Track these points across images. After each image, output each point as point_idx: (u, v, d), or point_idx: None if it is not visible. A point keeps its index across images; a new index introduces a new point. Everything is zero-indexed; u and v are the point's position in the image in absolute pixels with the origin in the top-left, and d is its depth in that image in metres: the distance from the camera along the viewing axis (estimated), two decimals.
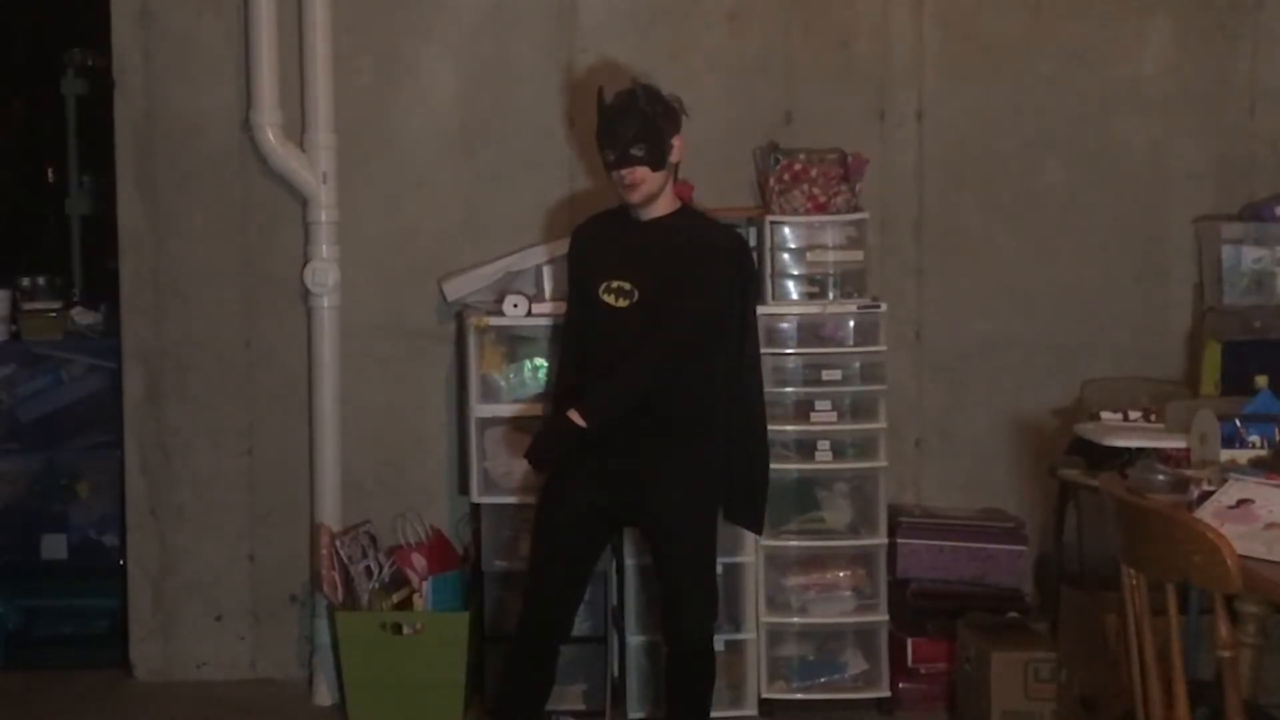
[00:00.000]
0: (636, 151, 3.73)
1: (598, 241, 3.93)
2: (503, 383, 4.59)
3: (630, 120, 3.75)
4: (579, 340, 3.94)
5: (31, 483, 5.13)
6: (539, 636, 3.84)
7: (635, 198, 3.79)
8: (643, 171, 3.75)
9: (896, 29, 4.92)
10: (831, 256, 4.60)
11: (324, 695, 4.74)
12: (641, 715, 4.49)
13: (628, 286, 3.78)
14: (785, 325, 4.57)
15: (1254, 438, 3.43)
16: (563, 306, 4.46)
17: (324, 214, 4.76)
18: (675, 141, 3.81)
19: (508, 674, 3.90)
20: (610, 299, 3.80)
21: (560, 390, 4.01)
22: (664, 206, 3.84)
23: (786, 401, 4.53)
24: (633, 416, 3.75)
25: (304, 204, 4.79)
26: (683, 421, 3.80)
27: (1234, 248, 4.79)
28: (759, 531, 4.15)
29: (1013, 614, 4.59)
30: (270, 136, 4.73)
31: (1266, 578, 2.62)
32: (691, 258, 3.76)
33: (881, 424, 4.59)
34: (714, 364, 3.83)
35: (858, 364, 4.59)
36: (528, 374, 4.60)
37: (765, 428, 3.99)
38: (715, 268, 3.80)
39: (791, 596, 4.58)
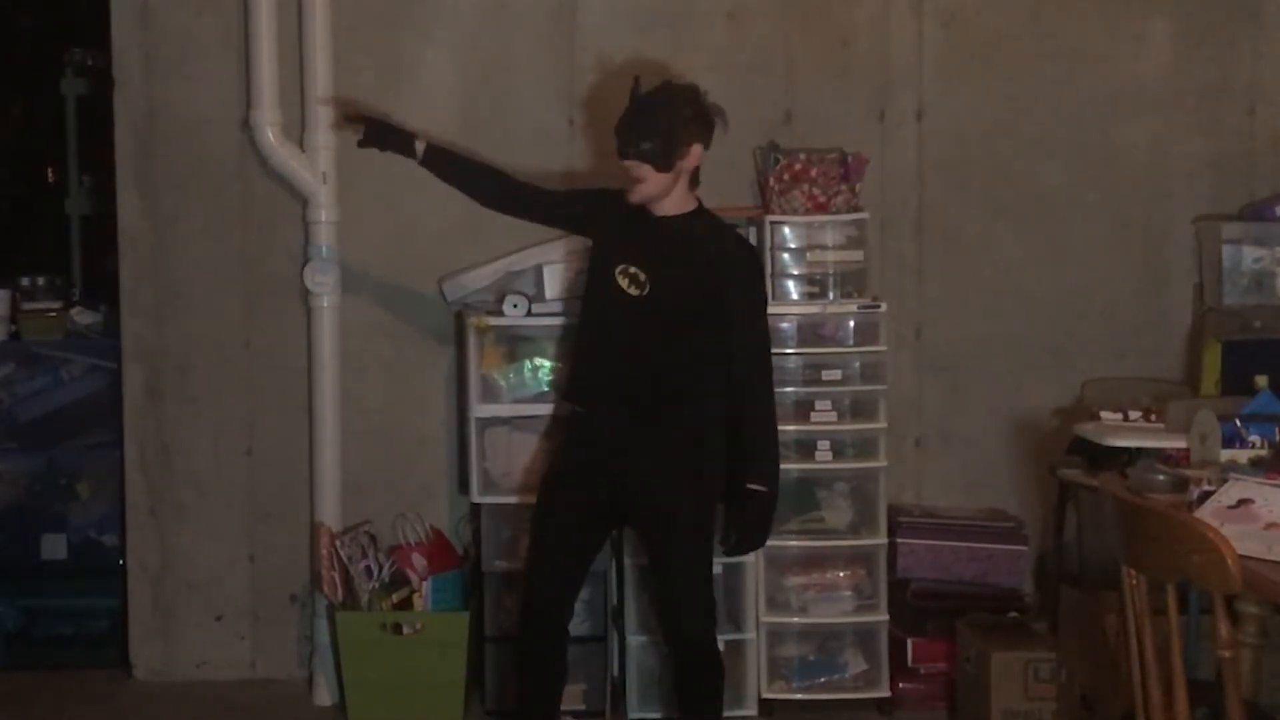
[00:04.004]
0: (644, 146, 3.71)
1: (620, 217, 3.86)
2: (503, 383, 4.58)
3: (649, 115, 3.74)
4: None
5: (31, 483, 5.12)
6: (539, 634, 3.85)
7: (634, 197, 3.78)
8: (646, 169, 3.73)
9: (896, 29, 4.92)
10: (831, 256, 4.60)
11: (324, 695, 4.74)
12: (641, 715, 4.49)
13: (642, 277, 3.76)
14: (785, 325, 4.56)
15: (1254, 438, 3.43)
16: (562, 306, 4.48)
17: (324, 214, 4.76)
18: (694, 148, 3.76)
19: (517, 674, 3.92)
20: (624, 283, 3.78)
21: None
22: (677, 206, 3.82)
23: (786, 401, 4.52)
24: (631, 415, 3.77)
25: (304, 204, 4.79)
26: (681, 422, 3.78)
27: (1234, 248, 4.79)
28: (760, 546, 3.93)
29: (1013, 614, 4.59)
30: (270, 136, 4.73)
31: (1266, 578, 2.62)
32: (703, 263, 3.75)
33: (881, 424, 4.59)
34: (716, 366, 3.80)
35: (858, 364, 4.60)
36: (528, 374, 4.59)
37: (774, 441, 3.82)
38: (727, 277, 3.76)
39: (791, 596, 4.58)
